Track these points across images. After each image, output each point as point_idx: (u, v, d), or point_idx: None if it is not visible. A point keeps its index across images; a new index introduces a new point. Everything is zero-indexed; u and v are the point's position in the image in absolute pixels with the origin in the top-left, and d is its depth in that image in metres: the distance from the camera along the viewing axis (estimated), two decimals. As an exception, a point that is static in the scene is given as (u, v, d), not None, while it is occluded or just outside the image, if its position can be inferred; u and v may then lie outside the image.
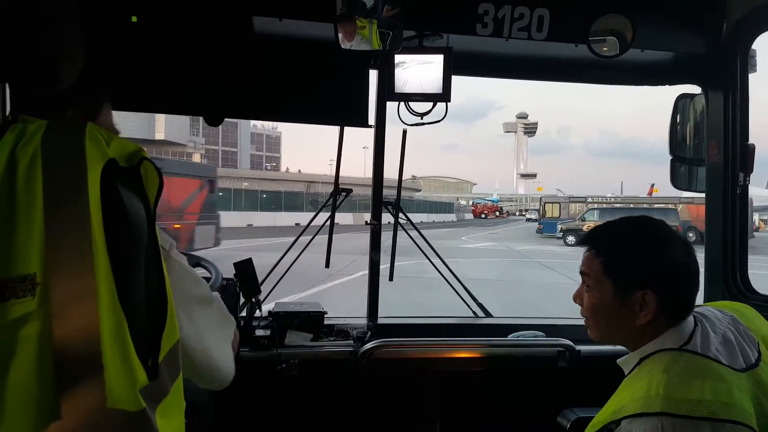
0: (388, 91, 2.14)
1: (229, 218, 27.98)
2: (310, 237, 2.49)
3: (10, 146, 0.73)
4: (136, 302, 0.76)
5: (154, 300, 0.81)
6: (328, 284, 10.04)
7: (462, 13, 1.98)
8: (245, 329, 2.10)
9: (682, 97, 2.36)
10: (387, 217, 2.46)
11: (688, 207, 26.36)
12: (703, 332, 1.17)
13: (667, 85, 2.41)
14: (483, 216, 70.76)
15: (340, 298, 8.43)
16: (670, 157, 2.38)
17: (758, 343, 1.20)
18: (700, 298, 1.26)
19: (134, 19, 1.84)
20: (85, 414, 0.68)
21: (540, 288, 11.99)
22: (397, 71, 2.10)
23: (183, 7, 1.89)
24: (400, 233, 2.54)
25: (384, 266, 2.49)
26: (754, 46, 2.20)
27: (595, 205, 32.80)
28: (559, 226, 27.92)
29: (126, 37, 1.86)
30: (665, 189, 34.50)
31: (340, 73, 2.12)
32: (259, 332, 2.14)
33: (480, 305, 2.60)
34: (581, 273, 1.30)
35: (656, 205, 30.39)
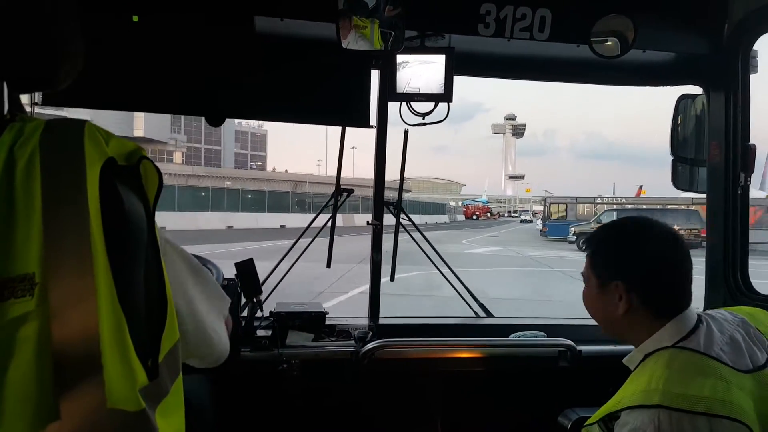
0: (389, 92, 2.14)
1: (206, 220, 27.07)
2: (300, 238, 2.49)
3: (8, 145, 0.73)
4: (136, 302, 0.76)
5: (153, 300, 0.80)
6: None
7: (464, 14, 1.98)
8: (246, 329, 2.10)
9: (683, 98, 2.35)
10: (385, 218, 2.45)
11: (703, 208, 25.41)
12: (707, 331, 1.20)
13: (668, 86, 2.41)
14: (474, 217, 70.17)
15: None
16: (671, 158, 2.38)
17: None
18: (701, 299, 1.27)
19: (135, 18, 1.84)
20: (85, 414, 0.67)
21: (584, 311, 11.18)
22: (399, 71, 2.10)
23: (184, 7, 1.89)
24: (401, 234, 2.54)
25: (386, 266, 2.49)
26: (755, 47, 2.20)
27: (605, 206, 31.59)
28: (572, 229, 26.00)
29: (127, 36, 1.86)
30: (651, 190, 33.85)
31: (342, 73, 2.12)
32: (260, 332, 2.14)
33: (481, 305, 2.60)
34: (581, 273, 1.39)
35: (669, 206, 29.08)
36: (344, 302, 8.86)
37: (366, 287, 2.47)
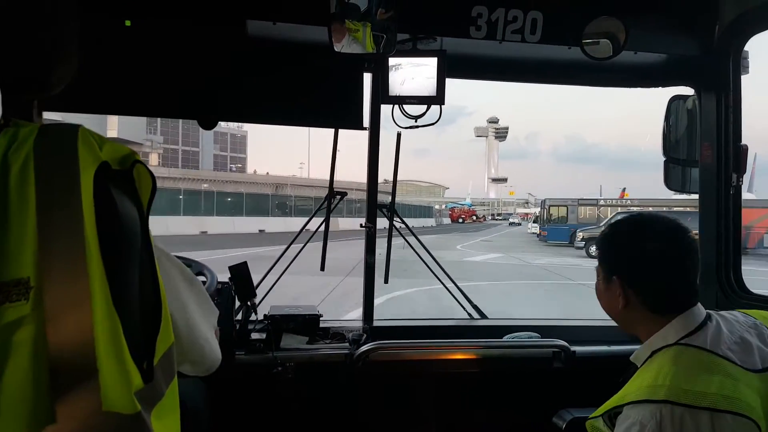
0: (382, 94, 2.15)
1: (177, 224, 25.35)
2: (293, 243, 2.48)
3: (2, 150, 0.73)
4: (131, 305, 0.76)
5: (148, 303, 0.81)
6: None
7: (456, 16, 1.99)
8: (241, 332, 2.10)
9: (675, 99, 2.37)
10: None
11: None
12: (716, 330, 1.20)
13: (660, 87, 2.43)
14: (460, 221, 69.60)
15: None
16: (663, 159, 2.40)
17: None
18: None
19: (128, 23, 1.85)
20: (81, 417, 0.67)
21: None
22: (391, 74, 2.11)
23: (176, 12, 1.89)
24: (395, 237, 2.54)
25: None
26: (746, 48, 2.22)
27: (609, 209, 29.55)
28: (581, 233, 23.83)
29: (120, 41, 1.86)
30: (633, 193, 33.08)
31: (335, 77, 2.13)
32: (254, 335, 2.14)
33: (475, 307, 2.60)
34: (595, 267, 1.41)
35: (675, 208, 25.04)
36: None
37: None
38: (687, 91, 2.37)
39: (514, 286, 13.09)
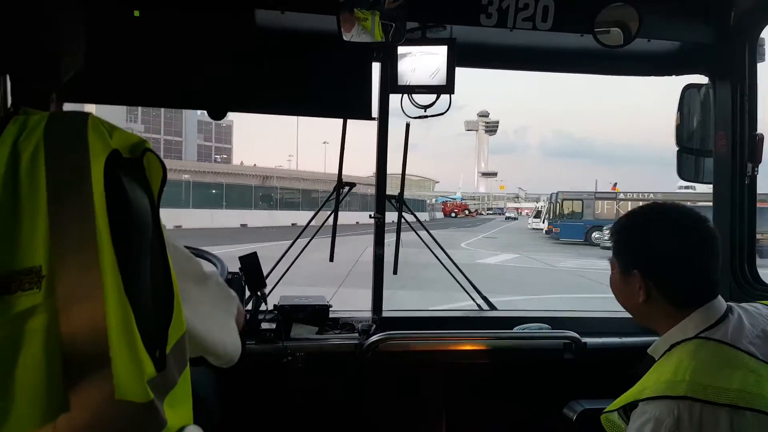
0: (391, 84, 2.13)
1: None
2: (300, 235, 2.48)
3: (12, 138, 0.73)
4: (143, 294, 0.76)
5: (160, 291, 0.81)
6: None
7: (466, 4, 1.97)
8: (251, 322, 2.11)
9: (688, 87, 2.33)
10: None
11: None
12: (737, 323, 1.18)
13: (673, 75, 2.39)
14: (453, 215, 68.36)
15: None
16: (676, 148, 2.36)
17: None
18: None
19: (137, 13, 1.84)
20: (94, 406, 0.68)
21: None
22: (400, 63, 2.09)
23: (185, 1, 1.89)
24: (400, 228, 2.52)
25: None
26: (762, 35, 2.18)
27: (630, 204, 23.42)
28: (607, 231, 15.62)
29: (128, 31, 1.86)
30: (622, 188, 30.98)
31: (343, 66, 2.11)
32: (264, 325, 2.14)
33: (484, 298, 2.60)
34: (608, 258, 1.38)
35: (700, 203, 23.11)
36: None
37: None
38: (701, 79, 2.33)
39: (561, 301, 10.08)
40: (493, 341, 2.26)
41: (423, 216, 52.69)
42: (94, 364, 0.68)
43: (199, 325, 1.01)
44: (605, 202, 27.47)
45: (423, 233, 2.59)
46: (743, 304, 1.27)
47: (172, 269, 0.84)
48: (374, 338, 2.12)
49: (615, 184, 36.91)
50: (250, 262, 2.02)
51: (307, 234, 2.51)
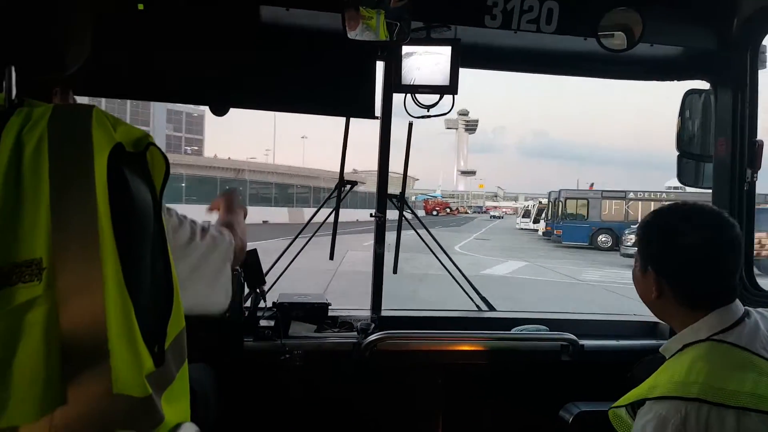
0: (394, 83, 2.13)
1: None
2: (300, 233, 2.47)
3: (16, 130, 0.73)
4: (143, 288, 0.76)
5: (160, 286, 0.81)
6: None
7: (470, 5, 1.97)
8: (249, 319, 2.11)
9: (690, 93, 2.34)
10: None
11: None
12: (753, 327, 1.17)
13: (675, 81, 2.40)
14: (435, 213, 67.55)
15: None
16: (677, 153, 2.37)
17: None
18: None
19: (141, 6, 1.84)
20: (91, 399, 0.68)
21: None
22: (404, 63, 2.09)
23: None
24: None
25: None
26: (764, 43, 2.18)
27: (640, 204, 23.51)
28: (631, 236, 16.27)
29: (132, 25, 1.85)
30: (598, 187, 28.97)
31: (347, 64, 2.11)
32: (263, 323, 2.14)
33: (483, 299, 2.60)
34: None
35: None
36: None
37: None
38: (702, 85, 2.34)
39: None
40: (492, 342, 2.26)
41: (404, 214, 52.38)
42: (92, 358, 0.68)
43: (188, 285, 0.99)
44: (613, 202, 24.57)
45: (421, 231, 2.59)
46: (761, 309, 1.26)
47: (173, 264, 0.84)
48: (373, 337, 2.12)
49: (592, 185, 35.60)
50: (250, 259, 2.02)
51: (306, 231, 2.51)
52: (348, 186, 2.48)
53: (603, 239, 23.91)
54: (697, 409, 1.05)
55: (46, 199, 0.70)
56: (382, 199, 2.41)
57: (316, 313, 2.27)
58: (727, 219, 1.22)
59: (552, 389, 2.13)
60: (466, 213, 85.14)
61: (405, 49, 2.07)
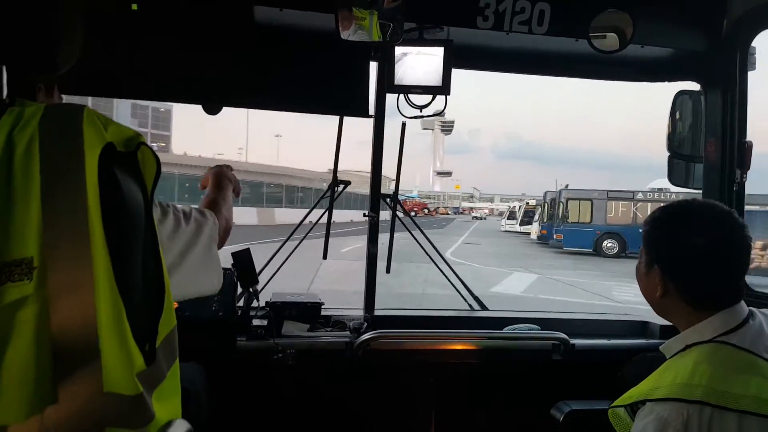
0: (387, 83, 2.14)
1: None
2: (294, 232, 2.47)
3: (7, 129, 0.73)
4: (134, 287, 0.77)
5: (151, 285, 0.81)
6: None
7: (463, 6, 1.98)
8: (242, 318, 2.11)
9: (680, 94, 2.36)
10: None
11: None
12: (757, 329, 1.16)
13: (666, 82, 2.42)
14: (413, 213, 66.82)
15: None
16: (667, 153, 2.39)
17: None
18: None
19: (134, 6, 1.84)
20: (82, 398, 0.68)
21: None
22: (397, 63, 2.10)
23: None
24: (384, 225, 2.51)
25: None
26: (754, 44, 2.20)
27: (649, 204, 21.05)
28: None
29: (126, 24, 1.85)
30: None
31: (340, 64, 2.12)
32: (256, 322, 2.15)
33: (476, 298, 2.61)
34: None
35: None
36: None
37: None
38: (693, 86, 2.36)
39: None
40: (484, 341, 2.27)
41: (383, 214, 51.03)
42: (83, 356, 0.68)
43: (179, 271, 1.00)
44: (620, 203, 22.27)
45: (413, 232, 2.59)
46: (765, 310, 1.24)
47: (164, 262, 0.84)
48: (365, 336, 2.12)
49: (566, 186, 34.84)
50: (243, 258, 2.02)
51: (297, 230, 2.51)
52: (341, 186, 2.49)
53: (609, 245, 22.00)
54: (699, 411, 1.03)
55: (37, 198, 0.70)
56: (376, 199, 2.41)
57: (308, 312, 2.27)
58: (738, 219, 1.20)
59: (543, 388, 2.14)
60: (447, 214, 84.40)
61: (398, 49, 2.07)
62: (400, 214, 2.53)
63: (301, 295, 2.37)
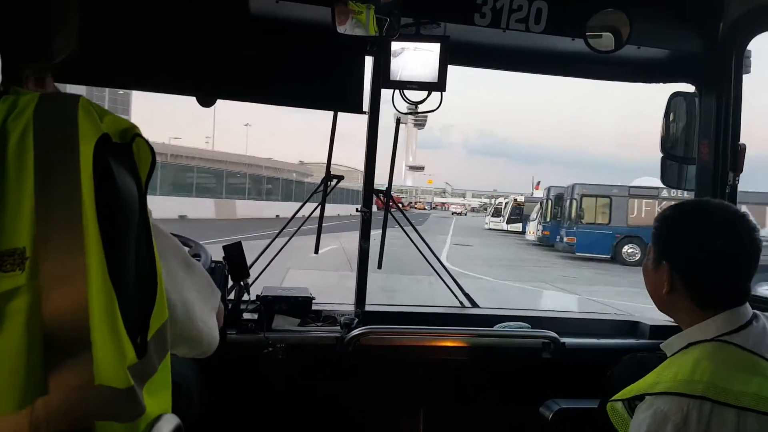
0: (383, 79, 2.13)
1: None
2: (286, 226, 2.46)
3: (1, 117, 0.72)
4: (127, 279, 0.76)
5: (144, 278, 0.80)
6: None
7: (460, 2, 1.97)
8: (233, 312, 2.10)
9: (675, 95, 2.37)
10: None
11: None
12: (760, 331, 1.17)
13: (661, 83, 2.42)
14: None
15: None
16: (661, 155, 2.40)
17: None
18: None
19: None
20: (73, 390, 0.67)
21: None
22: (393, 58, 2.09)
23: None
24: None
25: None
26: (749, 47, 2.21)
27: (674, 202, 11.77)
28: None
29: (122, 14, 1.83)
30: (545, 186, 24.97)
31: (336, 59, 2.11)
32: (246, 315, 2.14)
33: (467, 295, 2.62)
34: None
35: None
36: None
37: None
38: (688, 87, 2.37)
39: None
40: (474, 338, 2.28)
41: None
42: (74, 348, 0.67)
43: (181, 309, 0.99)
44: (643, 201, 19.12)
45: (413, 225, 2.59)
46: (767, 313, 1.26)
47: (157, 257, 0.83)
48: (356, 332, 2.12)
49: (538, 183, 32.99)
50: (234, 251, 2.01)
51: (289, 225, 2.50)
52: (335, 180, 2.48)
53: (629, 250, 19.25)
54: (699, 406, 1.04)
55: (30, 188, 0.69)
56: (369, 194, 2.41)
57: (299, 306, 2.27)
58: (750, 221, 1.20)
59: (533, 386, 2.16)
60: (423, 209, 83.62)
61: (394, 44, 2.07)
62: (395, 214, 2.52)
63: (292, 289, 2.37)
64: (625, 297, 11.75)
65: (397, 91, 2.19)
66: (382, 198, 2.50)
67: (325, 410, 2.20)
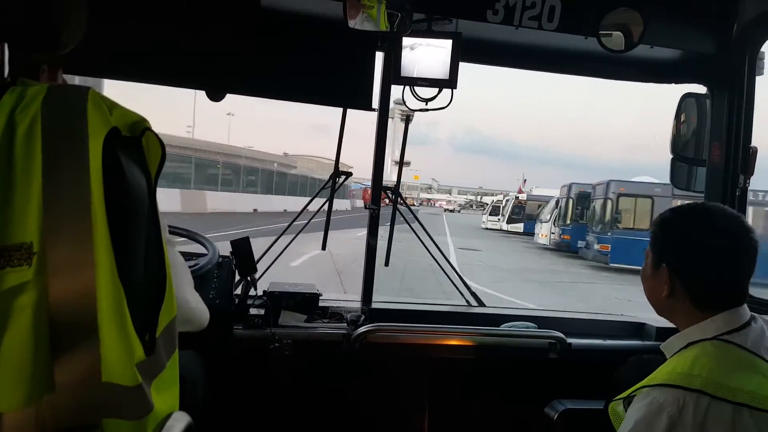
0: (393, 75, 2.12)
1: None
2: (295, 220, 2.45)
3: (8, 109, 0.71)
4: (135, 275, 0.75)
5: (153, 273, 0.80)
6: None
7: None
8: (240, 307, 2.10)
9: (687, 96, 2.34)
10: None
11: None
12: (759, 332, 1.18)
13: (673, 83, 2.40)
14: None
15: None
16: (671, 155, 2.38)
17: None
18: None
19: None
20: (80, 387, 0.67)
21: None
22: (404, 54, 2.07)
23: None
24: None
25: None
26: (762, 49, 2.19)
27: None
28: None
29: (131, 6, 1.83)
30: (531, 184, 24.93)
31: (346, 54, 2.10)
32: (253, 311, 2.14)
33: (473, 294, 2.61)
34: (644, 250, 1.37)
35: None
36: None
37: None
38: (700, 89, 2.34)
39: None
40: (480, 337, 2.27)
41: (345, 204, 42.79)
42: (82, 346, 0.67)
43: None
44: (685, 202, 11.76)
45: (418, 220, 2.58)
46: (767, 317, 1.26)
47: (166, 252, 0.83)
48: (363, 329, 2.12)
49: (525, 181, 31.61)
50: (242, 246, 2.01)
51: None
52: (343, 177, 2.47)
53: None
54: (696, 399, 1.05)
55: (38, 181, 0.68)
56: (377, 191, 2.40)
57: (306, 302, 2.26)
58: (746, 223, 1.23)
59: (539, 386, 2.15)
60: (414, 205, 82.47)
61: (405, 40, 2.05)
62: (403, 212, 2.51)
63: (298, 285, 2.36)
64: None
65: (407, 87, 2.17)
66: (389, 194, 2.49)
67: (332, 406, 2.20)
